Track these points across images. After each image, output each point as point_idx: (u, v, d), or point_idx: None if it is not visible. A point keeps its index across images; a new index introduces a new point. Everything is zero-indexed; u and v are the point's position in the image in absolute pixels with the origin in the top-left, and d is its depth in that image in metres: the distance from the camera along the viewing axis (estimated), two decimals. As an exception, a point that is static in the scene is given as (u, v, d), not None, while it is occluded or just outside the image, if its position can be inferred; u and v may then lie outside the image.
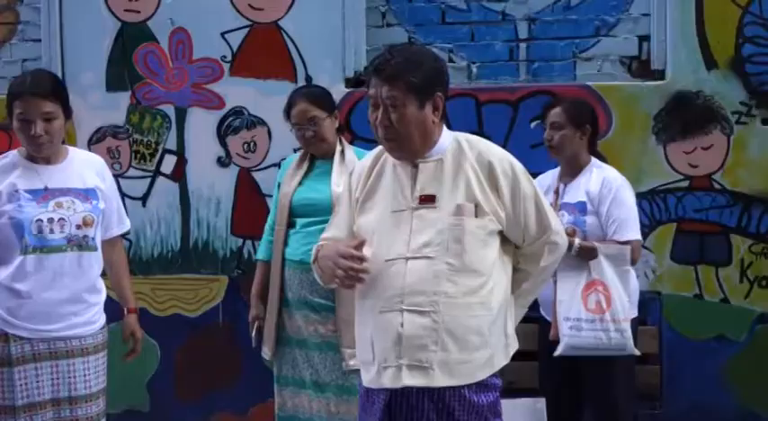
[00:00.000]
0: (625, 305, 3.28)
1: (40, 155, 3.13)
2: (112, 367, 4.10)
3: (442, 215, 2.32)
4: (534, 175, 3.76)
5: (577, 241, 3.23)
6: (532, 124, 3.94)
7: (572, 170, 3.45)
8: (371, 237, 2.39)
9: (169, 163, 4.42)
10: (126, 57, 4.40)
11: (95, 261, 3.18)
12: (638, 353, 3.31)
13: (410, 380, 2.26)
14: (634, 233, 3.34)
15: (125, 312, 3.40)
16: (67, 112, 3.17)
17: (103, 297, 3.25)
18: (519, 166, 2.41)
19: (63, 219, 3.09)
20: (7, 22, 4.62)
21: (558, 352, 3.25)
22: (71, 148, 3.26)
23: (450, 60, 4.13)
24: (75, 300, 3.11)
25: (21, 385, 3.05)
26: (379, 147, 2.51)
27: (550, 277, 2.58)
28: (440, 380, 2.27)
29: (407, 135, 2.30)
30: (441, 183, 2.35)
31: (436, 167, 2.36)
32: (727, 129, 3.82)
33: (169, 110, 4.40)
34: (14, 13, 4.62)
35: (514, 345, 2.44)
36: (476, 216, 2.32)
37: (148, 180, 4.44)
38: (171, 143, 4.40)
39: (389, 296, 2.30)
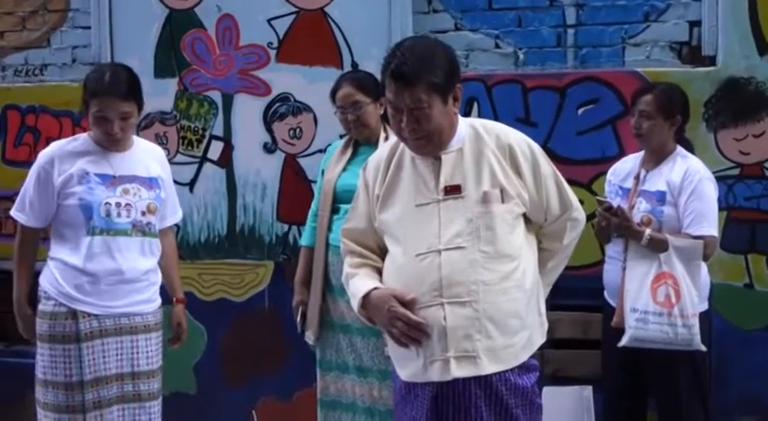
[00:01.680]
0: (694, 299, 3.25)
1: (115, 147, 3.25)
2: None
3: (470, 204, 2.33)
4: (581, 163, 3.88)
5: (648, 232, 3.22)
6: (580, 111, 3.95)
7: (656, 158, 3.41)
8: (397, 233, 2.39)
9: (216, 149, 4.46)
10: (173, 43, 4.44)
11: (156, 247, 3.31)
12: (704, 348, 3.28)
13: (459, 371, 2.27)
14: (710, 228, 3.29)
15: (173, 301, 3.50)
16: (141, 106, 3.27)
17: (160, 279, 3.35)
18: (536, 147, 2.43)
19: (129, 204, 3.21)
20: (57, 9, 4.68)
21: (623, 342, 3.24)
22: (135, 137, 3.36)
23: (497, 46, 4.13)
24: (138, 280, 3.23)
25: (88, 360, 3.15)
26: (393, 141, 2.51)
27: (571, 253, 2.59)
28: (487, 367, 2.28)
29: (437, 132, 2.31)
30: (464, 173, 2.35)
31: (457, 157, 2.36)
32: (779, 116, 3.77)
33: (216, 96, 4.43)
34: (64, 1, 4.68)
35: (547, 324, 2.48)
36: (502, 201, 2.34)
37: (195, 166, 4.48)
38: (218, 129, 4.44)
39: (427, 291, 2.30)
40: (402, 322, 2.26)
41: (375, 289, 2.37)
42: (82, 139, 3.29)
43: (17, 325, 3.33)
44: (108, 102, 3.10)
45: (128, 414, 3.24)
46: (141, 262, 3.24)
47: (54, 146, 3.30)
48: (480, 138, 2.37)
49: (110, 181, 3.21)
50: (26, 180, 3.27)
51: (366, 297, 2.37)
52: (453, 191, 2.34)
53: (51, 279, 3.19)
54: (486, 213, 2.32)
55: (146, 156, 3.35)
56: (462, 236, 2.30)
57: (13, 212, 3.30)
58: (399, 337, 2.29)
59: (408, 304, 2.28)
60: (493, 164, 2.35)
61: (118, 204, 3.19)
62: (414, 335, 2.27)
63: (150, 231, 3.27)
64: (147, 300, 3.26)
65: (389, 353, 2.57)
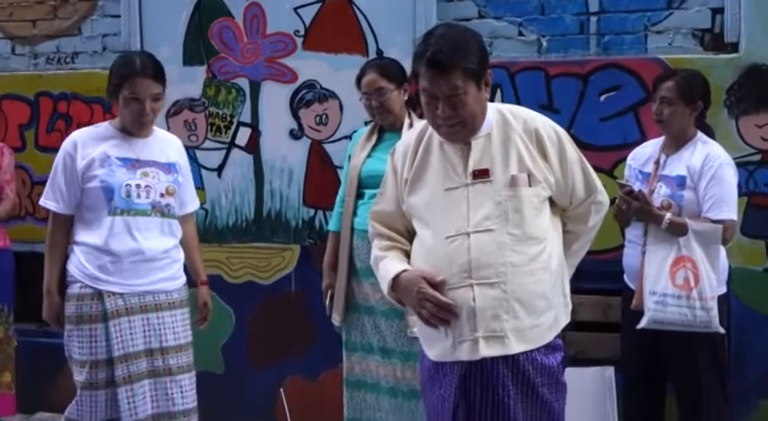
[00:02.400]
0: (713, 283, 3.25)
1: (143, 131, 3.31)
2: None
3: (498, 187, 2.33)
4: (603, 149, 3.87)
5: (668, 216, 3.22)
6: (602, 98, 3.94)
7: (676, 143, 3.42)
8: (426, 216, 2.40)
9: (243, 135, 4.47)
10: (202, 31, 4.46)
11: (175, 228, 3.36)
12: (722, 330, 3.29)
13: (487, 350, 2.28)
14: (729, 213, 3.29)
15: (198, 284, 3.55)
16: (165, 91, 3.35)
17: (183, 257, 3.40)
18: (562, 132, 2.43)
19: (149, 186, 3.26)
20: None
21: (642, 324, 3.25)
22: (155, 127, 3.41)
23: (520, 34, 4.12)
24: (159, 258, 3.28)
25: (116, 337, 3.21)
26: (421, 127, 2.51)
27: (595, 235, 2.59)
28: (515, 346, 2.29)
29: (471, 118, 2.31)
30: (492, 157, 2.35)
31: (485, 142, 2.37)
32: (802, 104, 3.73)
33: (243, 83, 4.45)
34: None
35: (571, 305, 2.49)
36: (529, 185, 2.34)
37: (223, 151, 4.50)
38: (245, 116, 4.46)
39: (456, 272, 2.30)
40: (431, 303, 2.27)
41: (404, 271, 2.37)
42: (104, 126, 3.35)
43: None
44: (141, 83, 3.16)
45: (160, 387, 3.29)
46: (161, 241, 3.28)
47: (76, 133, 3.35)
48: (508, 124, 2.38)
49: (131, 164, 3.26)
50: (52, 169, 3.32)
51: (396, 279, 2.38)
52: (482, 175, 2.35)
53: (77, 262, 3.24)
54: (514, 196, 2.33)
55: (165, 144, 3.41)
56: (491, 218, 2.31)
57: (42, 201, 3.34)
58: (429, 318, 2.30)
59: (438, 286, 2.28)
60: (520, 148, 2.36)
61: (138, 186, 3.24)
62: (443, 315, 2.28)
63: (169, 213, 3.31)
64: (170, 278, 3.32)
65: (417, 334, 2.58)
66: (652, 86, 3.49)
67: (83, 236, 3.26)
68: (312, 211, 4.38)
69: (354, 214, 3.58)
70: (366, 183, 3.55)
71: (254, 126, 4.45)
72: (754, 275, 3.77)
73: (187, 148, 4.35)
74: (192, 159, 4.47)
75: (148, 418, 3.27)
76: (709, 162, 3.31)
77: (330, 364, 4.16)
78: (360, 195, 3.58)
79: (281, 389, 3.64)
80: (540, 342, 2.34)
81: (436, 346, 2.39)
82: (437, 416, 2.41)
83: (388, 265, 2.43)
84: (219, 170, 4.52)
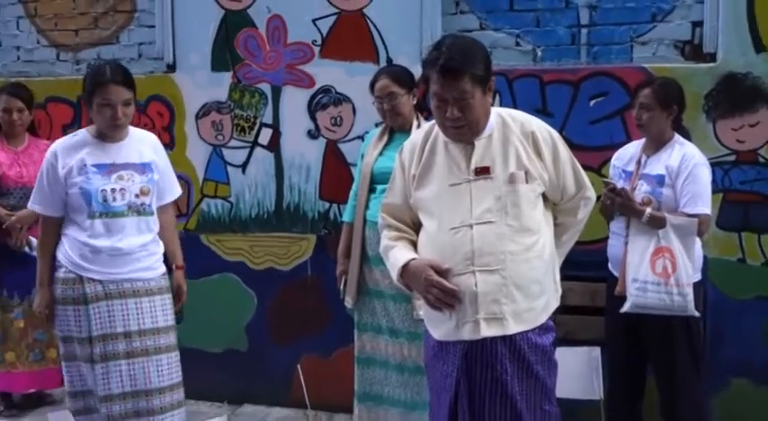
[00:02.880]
0: (689, 271, 3.28)
1: (116, 134, 3.29)
2: (215, 314, 4.36)
3: (498, 184, 2.38)
4: (592, 149, 3.90)
5: (648, 210, 3.25)
6: (592, 102, 3.94)
7: (656, 144, 3.44)
8: (432, 209, 2.44)
9: (266, 135, 4.47)
10: (228, 41, 4.46)
11: (153, 223, 3.36)
12: (697, 314, 3.31)
13: (488, 331, 2.34)
14: (704, 207, 3.31)
15: (174, 268, 3.51)
16: (135, 96, 3.31)
17: (161, 250, 3.39)
18: (555, 133, 2.48)
19: (124, 189, 3.26)
20: (125, 10, 4.74)
21: (624, 309, 3.29)
22: (130, 127, 3.37)
23: (518, 44, 4.11)
24: (138, 251, 3.29)
25: (95, 319, 3.24)
26: (428, 127, 2.54)
27: (582, 227, 2.65)
28: (512, 327, 2.35)
29: (476, 121, 2.36)
30: (492, 156, 2.40)
31: (487, 142, 2.41)
32: (773, 108, 3.66)
33: (266, 88, 4.45)
34: (132, 3, 4.74)
35: (560, 290, 2.54)
36: (526, 182, 2.39)
37: (247, 150, 4.51)
38: (267, 117, 4.46)
39: (460, 260, 2.34)
40: (438, 289, 2.32)
41: (413, 259, 2.41)
42: (81, 134, 3.33)
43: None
44: (112, 89, 3.16)
45: (138, 367, 3.27)
46: (138, 238, 3.28)
47: (57, 143, 3.35)
48: (507, 126, 2.43)
49: (107, 170, 3.25)
50: (38, 176, 3.34)
51: (405, 266, 2.42)
52: (483, 172, 2.39)
53: (63, 250, 3.28)
54: (513, 192, 2.37)
55: (140, 144, 3.37)
56: (492, 211, 2.36)
57: (30, 204, 3.37)
58: (434, 302, 2.34)
59: (443, 273, 2.33)
60: (518, 148, 2.40)
61: (113, 190, 3.24)
62: (448, 300, 2.32)
63: (145, 211, 3.31)
64: (147, 268, 3.31)
65: (423, 316, 2.61)
66: (632, 94, 3.51)
67: (69, 229, 3.29)
68: (327, 204, 4.38)
69: (366, 207, 3.63)
70: (378, 179, 3.60)
71: (276, 127, 4.46)
72: (728, 265, 3.79)
73: (214, 147, 4.48)
74: (219, 157, 4.56)
75: (121, 394, 3.26)
76: (686, 162, 3.34)
77: (342, 344, 4.21)
78: (372, 190, 3.63)
79: (299, 366, 3.62)
80: (534, 323, 2.39)
81: (440, 327, 2.43)
82: (440, 390, 2.46)
83: (398, 254, 2.47)
84: (244, 167, 4.53)
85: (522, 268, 2.37)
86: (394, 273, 2.49)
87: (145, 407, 3.29)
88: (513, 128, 2.45)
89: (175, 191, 3.57)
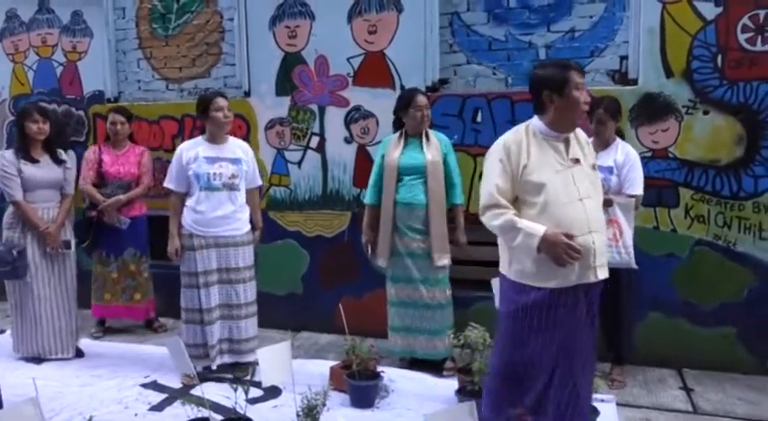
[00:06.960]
0: (630, 236, 3.37)
1: (220, 134, 3.54)
2: (280, 268, 4.41)
3: (587, 170, 2.39)
4: None
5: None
6: None
7: (604, 144, 3.51)
8: (544, 189, 2.33)
9: (315, 141, 4.53)
10: (287, 74, 4.54)
11: (240, 196, 3.60)
12: (636, 267, 3.39)
13: (602, 274, 2.37)
14: (639, 190, 3.39)
15: (255, 228, 3.73)
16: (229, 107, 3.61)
17: (247, 216, 3.63)
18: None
19: (222, 173, 3.52)
20: (214, 52, 4.85)
21: None
22: (229, 136, 3.65)
23: (494, 73, 4.16)
24: (229, 216, 3.52)
25: (200, 260, 3.52)
26: (520, 130, 2.42)
27: None
28: (606, 272, 2.41)
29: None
30: (577, 151, 2.41)
31: (574, 140, 2.43)
32: (679, 118, 3.75)
33: (314, 108, 4.51)
34: (218, 47, 4.83)
35: None
36: (594, 169, 2.46)
37: (302, 151, 4.58)
38: (315, 128, 4.52)
39: (580, 225, 2.30)
40: (572, 250, 2.25)
41: (546, 230, 2.28)
42: (199, 138, 3.63)
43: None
44: (220, 100, 3.52)
45: (224, 291, 3.54)
46: (229, 206, 3.51)
47: (183, 144, 3.63)
48: (577, 132, 2.47)
49: (212, 160, 3.51)
50: (171, 164, 3.59)
51: (543, 235, 2.29)
52: (577, 162, 2.38)
53: (184, 216, 3.55)
54: (595, 176, 2.44)
55: (234, 146, 3.62)
56: (589, 190, 2.37)
57: (165, 183, 3.63)
58: (567, 260, 2.25)
59: (570, 238, 2.26)
60: (585, 148, 2.45)
61: (215, 174, 3.49)
62: (577, 257, 2.26)
63: (235, 187, 3.53)
64: (236, 228, 3.54)
65: (527, 276, 2.35)
66: (588, 111, 3.38)
67: (188, 201, 3.55)
68: (358, 190, 4.43)
69: (396, 192, 3.63)
70: (403, 172, 3.62)
71: (322, 135, 4.51)
72: (646, 231, 3.82)
73: (278, 150, 4.70)
74: (282, 157, 4.64)
75: (216, 306, 3.50)
76: (628, 157, 3.42)
77: (370, 289, 4.34)
78: (399, 180, 3.63)
79: (340, 304, 3.53)
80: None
81: (554, 278, 2.32)
82: (552, 327, 2.32)
83: (532, 226, 2.31)
84: (299, 164, 4.59)
85: (603, 230, 2.45)
86: (534, 241, 2.28)
87: (228, 313, 3.58)
88: (578, 133, 2.48)
89: (258, 181, 3.80)
